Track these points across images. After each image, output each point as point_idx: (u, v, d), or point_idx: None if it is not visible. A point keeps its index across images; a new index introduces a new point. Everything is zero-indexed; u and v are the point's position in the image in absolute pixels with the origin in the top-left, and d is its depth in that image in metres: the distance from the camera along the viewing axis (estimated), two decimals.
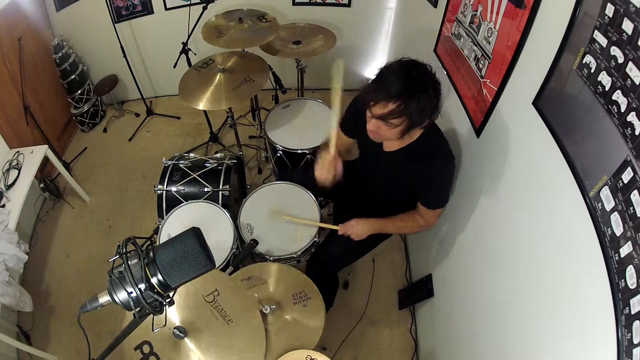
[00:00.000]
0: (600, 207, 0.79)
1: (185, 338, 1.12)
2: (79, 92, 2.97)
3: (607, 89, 0.77)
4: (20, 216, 1.96)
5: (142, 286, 0.67)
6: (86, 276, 2.30)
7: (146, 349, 1.10)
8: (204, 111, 2.86)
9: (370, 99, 1.17)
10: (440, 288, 1.79)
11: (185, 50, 2.47)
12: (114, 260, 0.70)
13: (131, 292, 0.67)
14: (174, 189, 1.92)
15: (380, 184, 1.58)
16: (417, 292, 1.98)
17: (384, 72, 1.18)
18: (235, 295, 1.24)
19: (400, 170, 1.43)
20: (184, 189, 1.92)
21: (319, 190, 1.82)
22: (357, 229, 1.52)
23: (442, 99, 1.18)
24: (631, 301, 0.69)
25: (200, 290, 1.20)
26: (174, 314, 1.16)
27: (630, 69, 0.70)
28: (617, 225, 0.74)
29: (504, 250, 1.22)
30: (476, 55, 1.39)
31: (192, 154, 2.15)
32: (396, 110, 1.11)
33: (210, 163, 2.02)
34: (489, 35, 1.29)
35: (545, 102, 1.00)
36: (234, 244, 1.62)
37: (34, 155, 2.20)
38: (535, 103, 1.04)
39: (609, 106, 0.76)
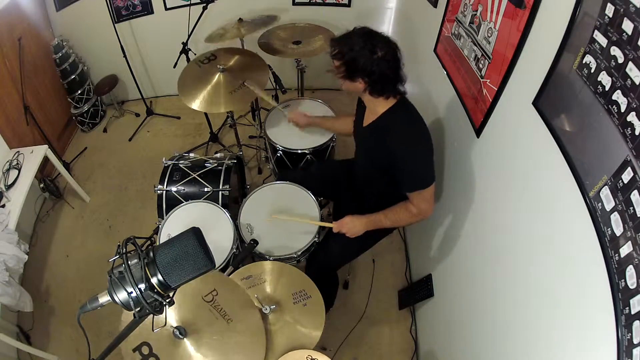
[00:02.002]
0: (600, 207, 0.79)
1: (185, 338, 1.12)
2: (79, 92, 2.97)
3: (607, 89, 0.77)
4: (20, 216, 1.96)
5: (142, 286, 0.67)
6: (86, 276, 2.31)
7: (145, 350, 1.10)
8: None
9: None
10: (440, 288, 1.79)
11: (185, 50, 2.48)
12: (114, 260, 0.70)
13: (131, 292, 0.67)
14: (174, 189, 1.92)
15: (363, 163, 1.65)
16: (417, 292, 1.98)
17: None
18: (234, 294, 1.24)
19: (370, 144, 1.51)
20: (184, 189, 1.92)
21: (319, 191, 1.82)
22: (351, 225, 1.53)
23: (376, 67, 1.29)
24: (631, 301, 0.69)
25: (199, 291, 1.20)
26: (173, 315, 1.16)
27: (630, 69, 0.70)
28: (617, 225, 0.74)
29: (503, 250, 1.22)
30: (476, 55, 1.39)
31: (192, 154, 2.15)
32: (335, 52, 1.34)
33: (210, 163, 2.02)
34: (489, 35, 1.29)
35: (545, 102, 1.00)
36: (234, 244, 1.62)
37: (34, 155, 2.21)
38: (535, 103, 1.04)
39: (609, 106, 0.76)
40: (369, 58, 1.28)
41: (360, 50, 1.28)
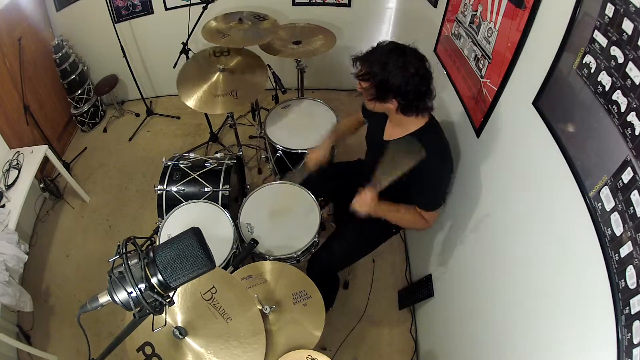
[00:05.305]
0: (600, 207, 0.79)
1: (186, 338, 1.12)
2: (79, 92, 2.97)
3: (607, 89, 0.77)
4: (20, 216, 1.96)
5: (142, 286, 0.67)
6: (86, 276, 2.30)
7: (148, 350, 1.10)
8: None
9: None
10: (440, 288, 1.79)
11: (185, 50, 2.48)
12: (114, 260, 0.70)
13: (131, 292, 0.67)
14: (174, 189, 1.92)
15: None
16: (417, 292, 1.98)
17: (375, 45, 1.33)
18: (232, 292, 1.24)
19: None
20: (184, 189, 1.92)
21: (320, 191, 1.82)
22: (364, 198, 1.40)
23: (411, 86, 1.22)
24: (631, 301, 0.69)
25: (198, 289, 1.20)
26: (173, 314, 1.16)
27: (630, 69, 0.70)
28: (617, 225, 0.74)
29: (503, 250, 1.22)
30: (476, 55, 1.39)
31: (192, 154, 2.15)
32: (363, 72, 1.27)
33: (210, 163, 2.02)
34: (489, 35, 1.29)
35: (545, 102, 1.00)
36: (234, 244, 1.62)
37: (34, 155, 2.20)
38: (535, 103, 1.04)
39: (609, 106, 0.76)
40: (403, 77, 1.20)
41: (393, 69, 1.20)
